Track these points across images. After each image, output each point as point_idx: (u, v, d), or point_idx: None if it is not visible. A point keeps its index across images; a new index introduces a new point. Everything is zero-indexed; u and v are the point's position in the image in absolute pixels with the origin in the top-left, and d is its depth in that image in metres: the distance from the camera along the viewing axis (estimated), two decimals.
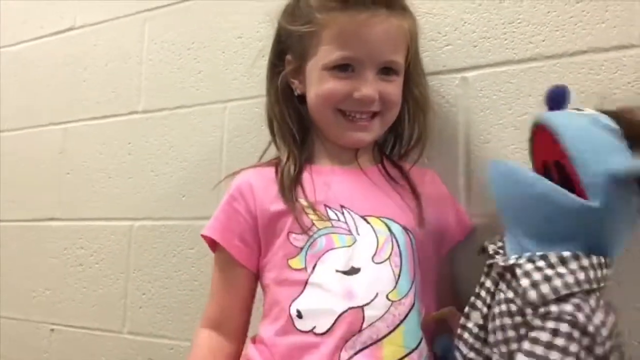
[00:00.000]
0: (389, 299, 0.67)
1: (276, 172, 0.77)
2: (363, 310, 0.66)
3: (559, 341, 0.55)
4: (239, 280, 0.76)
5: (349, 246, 0.70)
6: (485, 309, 0.63)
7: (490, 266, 0.64)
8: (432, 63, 0.85)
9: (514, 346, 0.58)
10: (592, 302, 0.57)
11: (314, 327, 0.67)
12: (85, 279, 1.16)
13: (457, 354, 0.64)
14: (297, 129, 0.79)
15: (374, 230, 0.71)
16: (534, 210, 0.60)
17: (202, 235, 0.78)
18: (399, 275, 0.69)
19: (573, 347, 0.54)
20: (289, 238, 0.72)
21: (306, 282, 0.69)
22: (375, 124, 0.76)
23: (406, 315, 0.67)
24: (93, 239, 1.16)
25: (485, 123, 0.81)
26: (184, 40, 1.11)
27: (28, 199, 1.27)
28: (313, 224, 0.71)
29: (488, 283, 0.64)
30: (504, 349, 0.59)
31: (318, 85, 0.75)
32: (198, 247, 1.00)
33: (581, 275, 0.58)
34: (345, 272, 0.68)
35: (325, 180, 0.75)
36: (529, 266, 0.58)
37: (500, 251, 0.64)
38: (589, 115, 0.62)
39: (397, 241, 0.71)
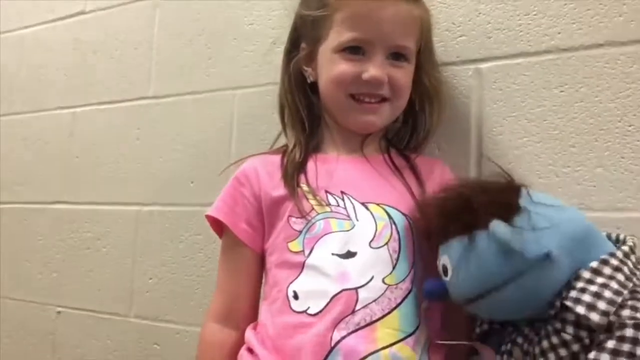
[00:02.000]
0: (384, 283, 0.68)
1: (282, 159, 0.78)
2: (357, 292, 0.67)
3: (626, 347, 0.53)
4: (246, 263, 0.77)
5: (347, 231, 0.71)
6: (526, 345, 0.62)
7: None
8: (446, 54, 0.84)
9: None
10: None
11: (308, 308, 0.68)
12: (92, 263, 1.16)
13: None
14: (306, 116, 0.80)
15: (373, 216, 0.72)
16: (529, 303, 0.60)
17: (207, 216, 0.79)
18: (397, 260, 0.70)
19: None
20: (289, 221, 0.73)
21: (303, 265, 0.70)
22: (385, 109, 0.76)
23: (403, 300, 0.68)
24: (100, 223, 1.16)
25: (498, 115, 0.80)
26: (195, 26, 1.10)
27: (36, 181, 1.28)
28: (313, 208, 0.72)
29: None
30: None
31: (329, 69, 0.76)
32: (205, 233, 1.00)
33: (620, 276, 0.57)
34: (341, 256, 0.69)
35: (329, 168, 0.76)
36: (573, 294, 0.57)
37: None
38: (453, 269, 0.63)
39: (396, 228, 0.71)
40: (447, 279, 0.64)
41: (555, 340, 0.58)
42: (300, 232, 0.72)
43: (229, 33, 1.06)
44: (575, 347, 0.57)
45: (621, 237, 0.64)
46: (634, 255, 0.60)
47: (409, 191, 0.75)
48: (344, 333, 0.65)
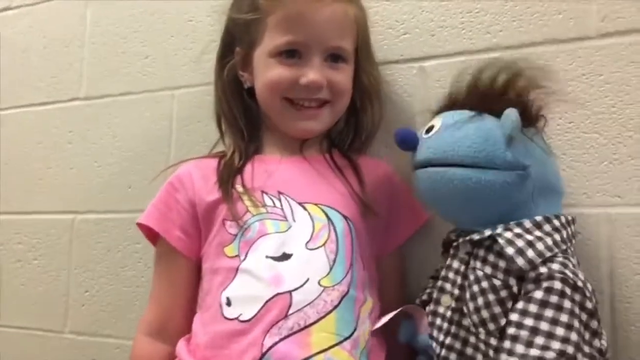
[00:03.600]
0: (320, 285, 0.66)
1: (218, 163, 0.76)
2: (291, 296, 0.65)
3: (553, 298, 0.55)
4: (180, 272, 0.75)
5: (283, 232, 0.69)
6: (456, 291, 0.63)
7: (456, 247, 0.64)
8: (390, 52, 0.83)
9: (504, 321, 0.57)
10: (573, 260, 0.59)
11: (240, 315, 0.66)
12: (23, 276, 1.10)
13: (432, 342, 0.63)
14: (244, 123, 0.78)
15: (311, 217, 0.70)
16: (476, 200, 0.60)
17: (138, 224, 0.76)
18: (334, 262, 0.68)
19: (566, 304, 0.55)
20: (224, 225, 0.71)
21: (237, 269, 0.68)
22: (325, 113, 0.75)
23: (339, 302, 0.66)
24: (32, 234, 1.10)
25: None
26: (130, 23, 1.05)
27: None
28: (247, 210, 0.71)
29: (456, 264, 0.63)
30: (492, 326, 0.58)
31: (264, 73, 0.74)
32: (145, 241, 0.94)
33: (557, 236, 0.60)
34: (275, 258, 0.68)
35: (267, 169, 0.74)
36: (508, 234, 0.59)
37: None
38: (442, 126, 0.63)
39: (334, 229, 0.70)
40: (427, 135, 0.64)
41: (485, 284, 0.59)
42: (235, 235, 0.70)
43: (166, 30, 1.02)
44: (504, 293, 0.58)
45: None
46: (573, 227, 0.63)
47: (349, 191, 0.73)
48: (276, 339, 0.63)
